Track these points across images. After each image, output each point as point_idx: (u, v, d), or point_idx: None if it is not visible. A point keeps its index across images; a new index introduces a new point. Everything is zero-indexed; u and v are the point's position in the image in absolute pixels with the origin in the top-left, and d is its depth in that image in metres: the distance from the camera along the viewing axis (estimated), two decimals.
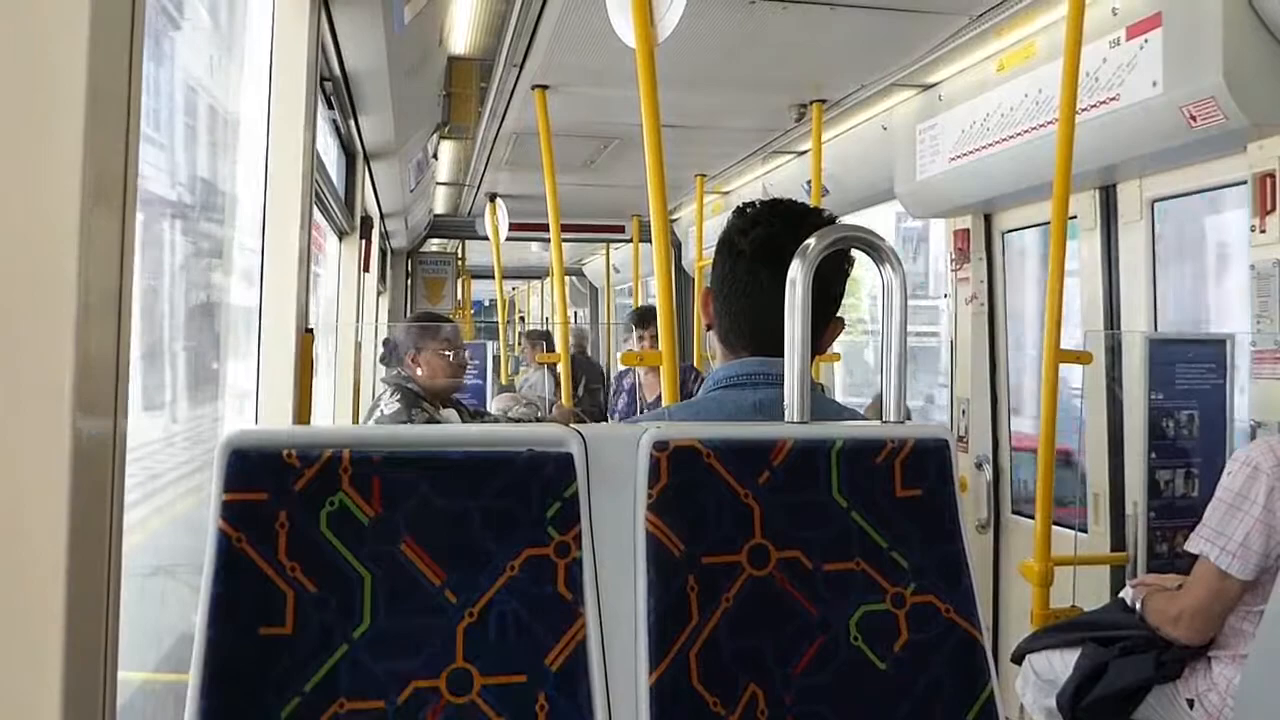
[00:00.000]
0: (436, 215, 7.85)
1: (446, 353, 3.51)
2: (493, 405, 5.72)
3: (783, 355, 1.15)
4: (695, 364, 5.99)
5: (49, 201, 0.82)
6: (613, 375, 9.22)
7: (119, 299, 0.91)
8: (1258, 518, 2.07)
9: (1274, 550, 2.07)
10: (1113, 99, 2.92)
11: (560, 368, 4.65)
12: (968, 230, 4.18)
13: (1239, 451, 2.27)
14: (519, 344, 10.26)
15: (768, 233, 1.51)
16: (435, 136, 5.02)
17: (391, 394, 3.44)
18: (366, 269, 5.16)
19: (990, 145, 3.55)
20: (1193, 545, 2.17)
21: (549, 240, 4.36)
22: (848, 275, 1.56)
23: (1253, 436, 2.69)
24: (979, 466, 4.17)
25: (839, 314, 1.58)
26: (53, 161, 0.82)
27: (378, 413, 3.46)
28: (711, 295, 1.59)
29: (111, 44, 0.89)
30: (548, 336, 7.86)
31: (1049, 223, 2.77)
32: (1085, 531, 3.52)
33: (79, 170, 0.83)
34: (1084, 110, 2.89)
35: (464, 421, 3.73)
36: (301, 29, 2.21)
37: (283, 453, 0.91)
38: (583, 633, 0.96)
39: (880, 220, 5.55)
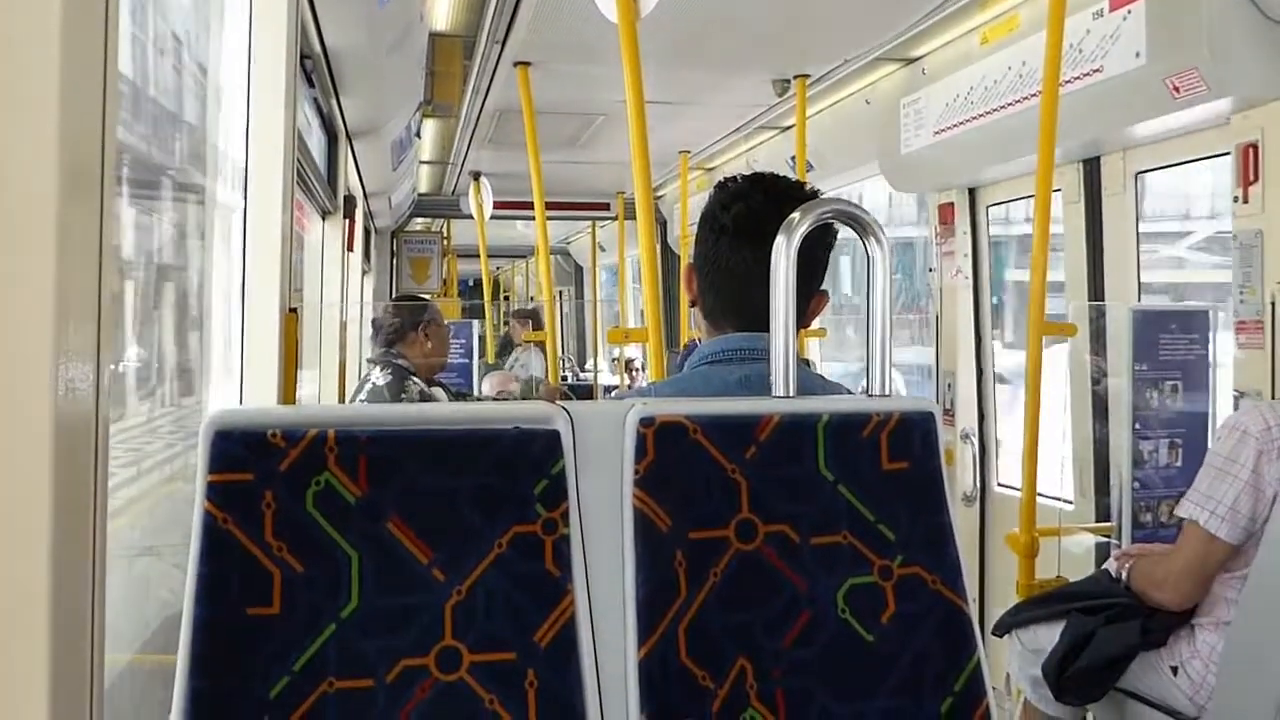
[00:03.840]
0: (420, 194, 7.81)
1: (435, 331, 3.60)
2: (485, 384, 5.75)
3: (767, 330, 1.14)
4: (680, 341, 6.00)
5: (25, 186, 0.81)
6: (600, 350, 9.25)
7: (99, 283, 0.91)
8: (1246, 481, 2.08)
9: (1260, 515, 2.08)
10: (1096, 71, 2.91)
11: (547, 346, 4.65)
12: (952, 204, 4.18)
13: (1229, 417, 2.28)
14: (504, 323, 10.24)
15: (749, 207, 1.50)
16: (418, 114, 4.98)
17: (383, 369, 3.50)
18: (350, 248, 5.13)
19: (974, 119, 3.54)
20: (1182, 510, 2.18)
21: (534, 218, 4.34)
22: (830, 249, 1.56)
23: (1235, 407, 2.70)
24: (965, 439, 4.19)
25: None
26: (28, 146, 0.81)
27: (369, 385, 3.51)
28: (694, 271, 1.59)
29: (85, 28, 0.87)
30: (535, 315, 7.85)
31: (1033, 196, 2.77)
32: (1071, 503, 3.55)
33: (55, 152, 0.82)
34: (1067, 82, 2.88)
35: (451, 398, 3.78)
36: (281, 6, 2.19)
37: (267, 433, 0.90)
38: (571, 609, 0.96)
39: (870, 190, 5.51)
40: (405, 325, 3.59)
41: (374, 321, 3.83)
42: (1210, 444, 2.27)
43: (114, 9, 0.93)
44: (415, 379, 3.49)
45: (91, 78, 0.90)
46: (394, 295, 7.24)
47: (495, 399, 4.45)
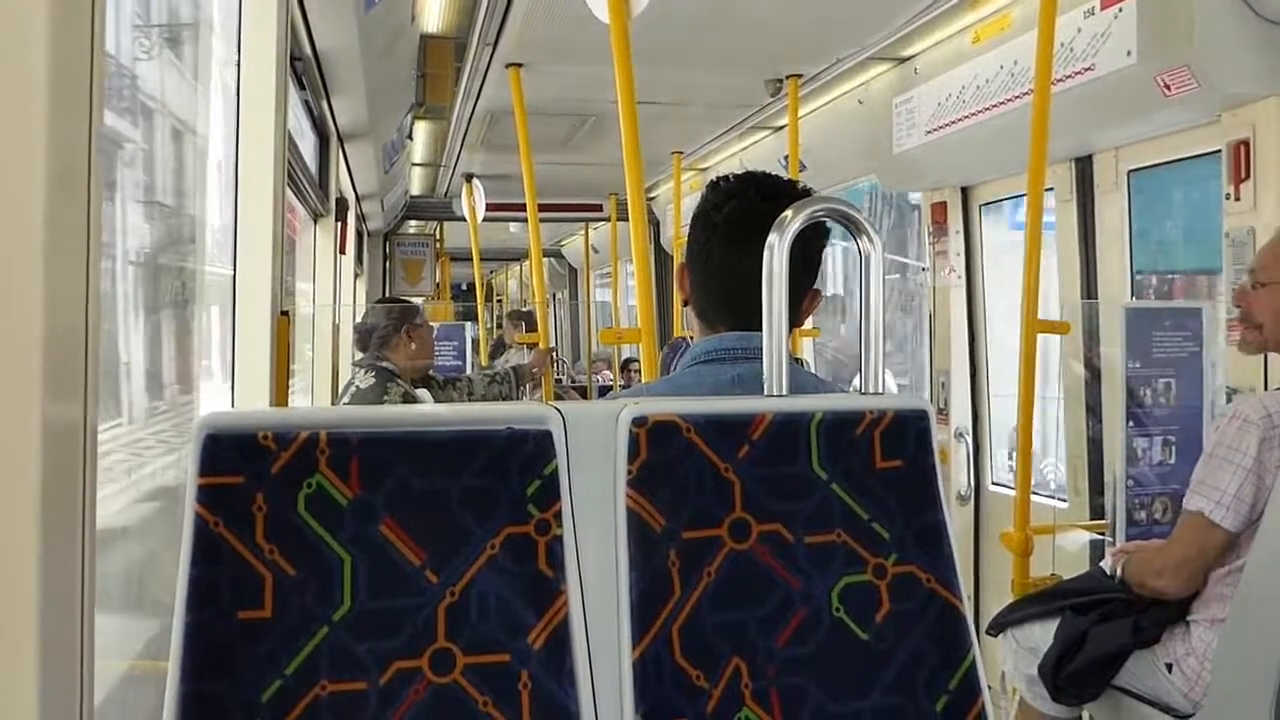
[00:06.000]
0: (413, 196, 7.81)
1: (418, 333, 3.63)
2: (506, 361, 5.77)
3: (760, 329, 1.14)
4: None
5: (12, 185, 0.81)
6: (593, 352, 9.27)
7: (86, 284, 0.90)
8: (1249, 469, 2.08)
9: (1261, 502, 2.08)
10: (1088, 69, 2.92)
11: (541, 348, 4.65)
12: (945, 203, 4.18)
13: (1228, 407, 2.28)
14: (498, 327, 10.24)
15: (742, 206, 1.49)
16: (410, 117, 4.98)
17: (366, 372, 3.53)
18: (343, 251, 5.13)
19: (966, 118, 3.55)
20: (1190, 504, 2.17)
21: (526, 220, 4.34)
22: (824, 247, 1.56)
23: (1228, 402, 2.71)
24: (959, 438, 4.19)
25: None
26: (14, 149, 0.81)
27: (353, 389, 3.54)
28: (687, 270, 1.59)
29: (72, 29, 0.87)
30: (529, 317, 7.85)
31: (1026, 194, 2.78)
32: (1065, 501, 3.55)
33: (43, 156, 0.81)
34: (1059, 81, 2.89)
35: (436, 392, 3.80)
36: (270, 8, 2.19)
37: (258, 435, 0.90)
38: (564, 610, 0.95)
39: None
40: (389, 328, 3.62)
41: (357, 326, 3.85)
42: (1206, 438, 2.26)
43: (100, 13, 0.92)
44: (399, 381, 3.52)
45: (79, 74, 0.89)
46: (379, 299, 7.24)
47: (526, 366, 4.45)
